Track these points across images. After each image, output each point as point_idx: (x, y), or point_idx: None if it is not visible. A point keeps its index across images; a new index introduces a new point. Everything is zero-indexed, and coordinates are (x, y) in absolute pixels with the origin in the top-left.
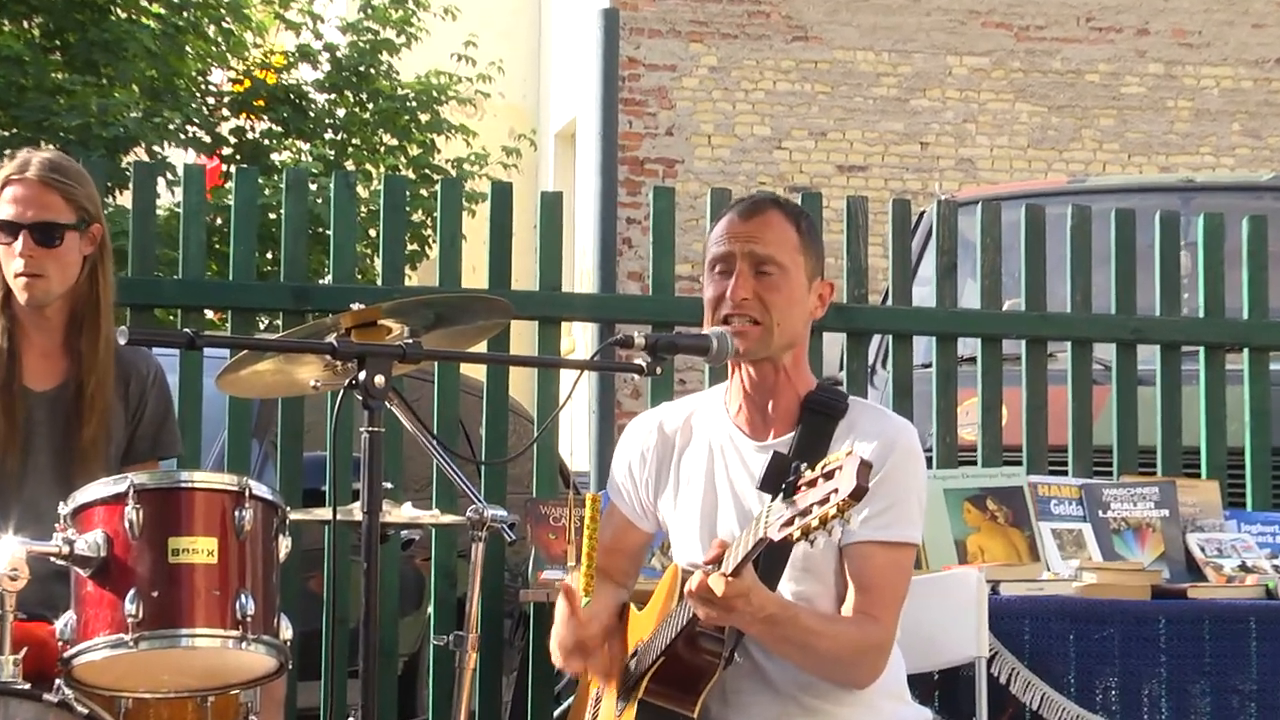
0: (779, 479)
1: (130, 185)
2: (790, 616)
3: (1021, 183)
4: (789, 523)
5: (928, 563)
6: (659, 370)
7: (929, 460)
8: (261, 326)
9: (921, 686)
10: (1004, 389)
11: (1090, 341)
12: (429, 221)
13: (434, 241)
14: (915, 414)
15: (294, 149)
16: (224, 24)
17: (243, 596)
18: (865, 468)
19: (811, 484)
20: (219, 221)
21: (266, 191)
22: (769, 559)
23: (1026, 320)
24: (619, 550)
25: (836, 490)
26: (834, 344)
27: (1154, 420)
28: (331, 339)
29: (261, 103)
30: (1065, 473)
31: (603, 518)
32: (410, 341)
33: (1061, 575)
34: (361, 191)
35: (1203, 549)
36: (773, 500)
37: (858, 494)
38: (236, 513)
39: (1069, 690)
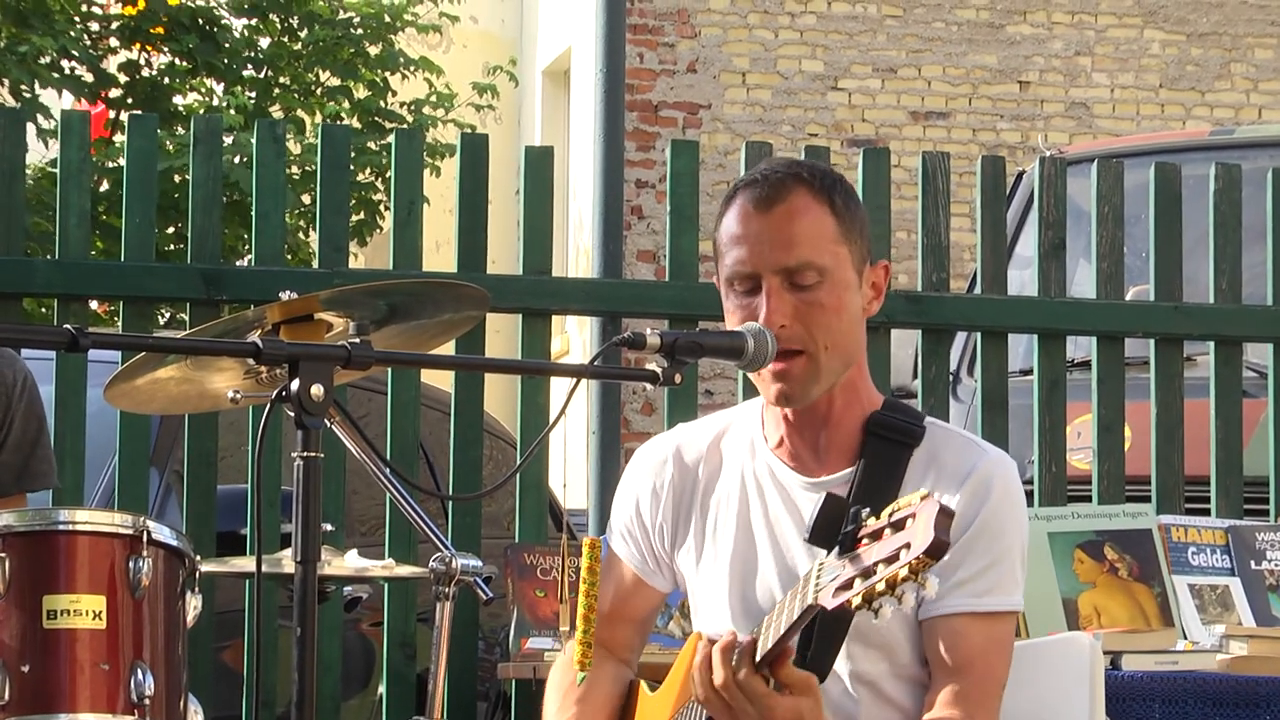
0: (833, 528)
1: None
2: None
3: (1151, 134)
4: (846, 585)
5: (1027, 628)
6: (678, 378)
7: (1029, 495)
8: (162, 321)
9: None
10: (1127, 403)
11: (1240, 341)
12: (380, 184)
13: (387, 210)
14: (1012, 435)
15: (204, 90)
16: None
17: (139, 671)
18: (945, 517)
19: (876, 536)
20: (106, 185)
21: (168, 146)
22: (823, 628)
23: (1157, 313)
24: (622, 618)
25: (908, 545)
26: (906, 343)
27: None
28: (254, 338)
29: (160, 30)
30: (1208, 512)
31: (602, 574)
32: (357, 341)
33: (1202, 645)
34: (292, 146)
35: None
36: (826, 556)
37: (935, 550)
38: (131, 563)
39: None
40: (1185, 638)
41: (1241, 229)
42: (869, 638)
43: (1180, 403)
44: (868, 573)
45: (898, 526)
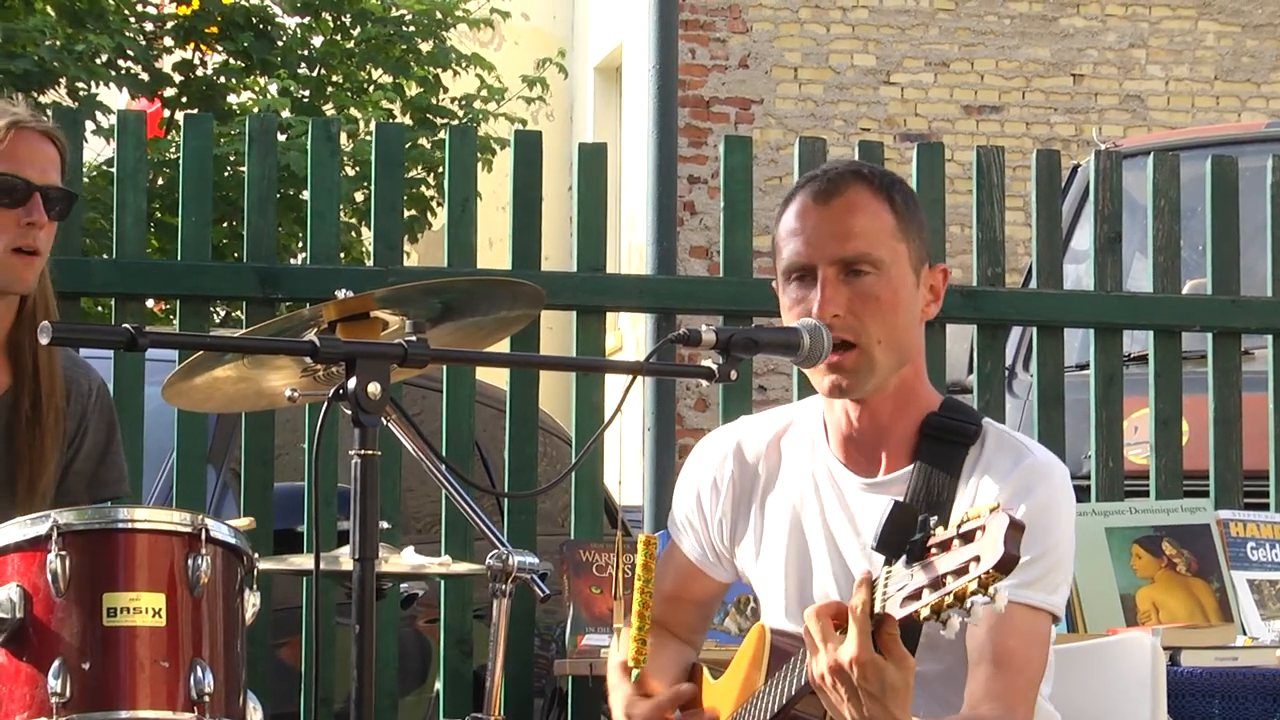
0: (900, 537)
1: None
2: None
3: (1206, 127)
4: (915, 595)
5: (1085, 624)
6: (733, 375)
7: (1086, 491)
8: (219, 320)
9: None
10: (1184, 397)
11: None
12: (433, 180)
13: (440, 207)
14: (1068, 430)
15: (258, 88)
16: None
17: (199, 669)
18: (1015, 531)
19: (945, 546)
20: (162, 183)
21: (223, 144)
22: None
23: (1214, 307)
24: (684, 599)
25: (978, 559)
26: (961, 338)
27: None
28: (311, 336)
29: (214, 29)
30: (1266, 506)
31: (660, 561)
32: (412, 339)
33: (1262, 640)
34: (346, 143)
35: None
36: (894, 564)
37: (1005, 565)
38: (190, 561)
39: None
40: (1245, 633)
41: None
42: (926, 639)
43: (1238, 397)
44: (936, 584)
45: (967, 538)
